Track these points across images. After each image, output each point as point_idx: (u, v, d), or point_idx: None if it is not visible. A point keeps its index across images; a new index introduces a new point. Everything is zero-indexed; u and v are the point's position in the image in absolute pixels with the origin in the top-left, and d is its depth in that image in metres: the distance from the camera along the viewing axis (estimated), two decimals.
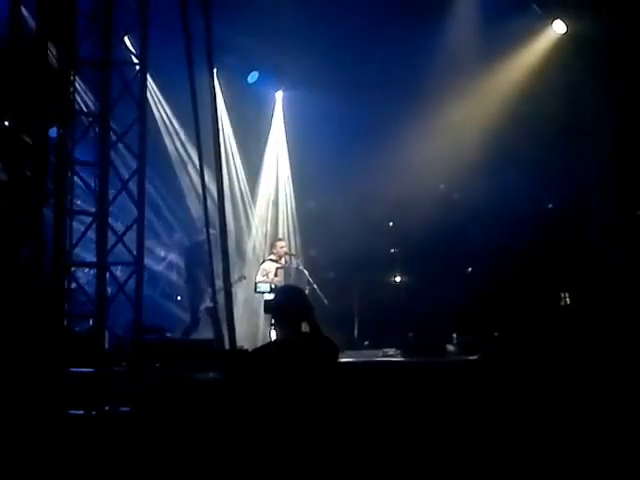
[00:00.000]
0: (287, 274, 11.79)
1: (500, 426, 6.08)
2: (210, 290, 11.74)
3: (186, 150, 13.38)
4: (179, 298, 13.13)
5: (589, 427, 5.68)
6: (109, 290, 8.68)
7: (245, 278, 12.45)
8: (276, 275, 11.71)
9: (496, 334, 10.49)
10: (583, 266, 11.66)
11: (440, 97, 12.61)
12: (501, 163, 12.53)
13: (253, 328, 13.16)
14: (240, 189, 14.43)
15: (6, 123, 8.46)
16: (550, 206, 13.20)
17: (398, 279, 13.30)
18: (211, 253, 11.88)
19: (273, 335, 10.97)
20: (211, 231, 12.06)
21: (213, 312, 11.81)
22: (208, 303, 11.84)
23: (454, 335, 11.85)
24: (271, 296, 10.52)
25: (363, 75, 13.03)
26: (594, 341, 7.60)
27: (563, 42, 12.50)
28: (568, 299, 10.73)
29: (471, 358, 9.42)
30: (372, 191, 13.35)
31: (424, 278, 13.32)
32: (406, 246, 13.41)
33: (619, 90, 11.93)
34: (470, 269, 13.28)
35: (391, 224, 13.75)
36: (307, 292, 11.01)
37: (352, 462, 4.84)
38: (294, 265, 11.93)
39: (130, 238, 8.57)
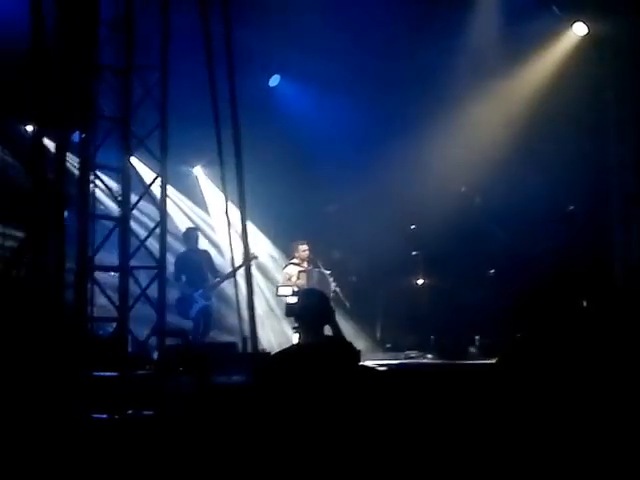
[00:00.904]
0: (310, 277, 11.76)
1: (523, 429, 6.03)
2: (199, 292, 11.82)
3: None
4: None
5: (604, 429, 5.61)
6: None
7: (257, 257, 12.06)
8: (299, 278, 11.71)
9: (518, 336, 10.40)
10: (605, 268, 11.58)
11: (461, 99, 12.58)
12: (522, 165, 12.47)
13: (278, 332, 13.17)
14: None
15: (29, 128, 8.58)
16: (571, 208, 13.12)
17: (420, 282, 13.26)
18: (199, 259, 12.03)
19: (295, 339, 11.01)
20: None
21: (206, 311, 11.91)
22: (201, 303, 11.86)
23: (476, 337, 11.81)
24: (293, 299, 10.52)
25: (383, 77, 13.00)
26: (616, 345, 7.52)
27: (584, 43, 12.43)
28: (587, 302, 10.63)
29: (493, 361, 9.37)
30: (393, 194, 13.32)
31: (446, 281, 13.27)
32: (428, 249, 13.37)
33: None
34: (493, 271, 13.22)
35: (413, 227, 13.70)
36: (330, 295, 11.02)
37: (375, 465, 4.82)
38: (317, 269, 11.90)
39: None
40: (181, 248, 12.43)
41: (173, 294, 11.33)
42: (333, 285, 11.55)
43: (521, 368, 6.42)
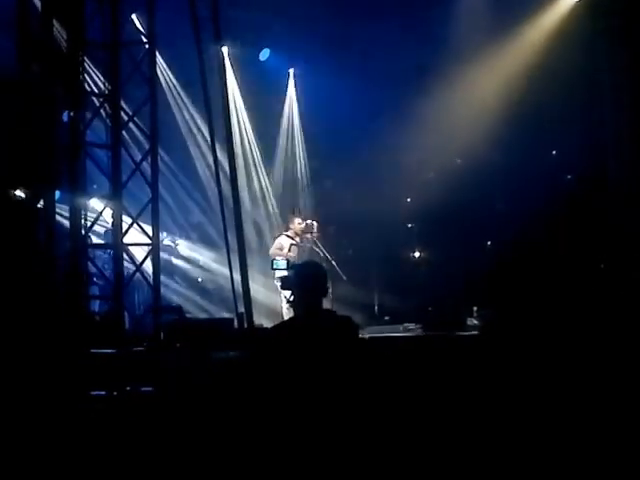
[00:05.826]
0: (301, 251, 11.75)
1: (521, 398, 6.04)
2: None
3: (198, 127, 13.33)
4: (200, 280, 13.12)
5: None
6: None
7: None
8: (290, 251, 11.67)
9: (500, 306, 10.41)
10: (602, 236, 11.53)
11: (456, 69, 12.49)
12: (518, 134, 12.40)
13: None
14: (255, 165, 14.40)
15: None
16: (569, 177, 13.08)
17: (417, 254, 13.24)
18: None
19: (285, 310, 11.02)
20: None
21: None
22: None
23: (475, 308, 11.80)
24: (285, 272, 10.48)
25: (377, 49, 12.90)
26: (611, 314, 7.50)
27: (579, 8, 12.36)
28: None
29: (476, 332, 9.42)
30: (388, 167, 13.27)
31: (443, 252, 13.26)
32: (424, 221, 13.34)
33: (637, 56, 11.77)
34: (489, 243, 13.19)
35: (409, 200, 13.67)
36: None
37: (375, 437, 4.81)
38: (309, 244, 11.86)
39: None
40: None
41: None
42: (328, 258, 11.47)
43: (504, 338, 6.43)
